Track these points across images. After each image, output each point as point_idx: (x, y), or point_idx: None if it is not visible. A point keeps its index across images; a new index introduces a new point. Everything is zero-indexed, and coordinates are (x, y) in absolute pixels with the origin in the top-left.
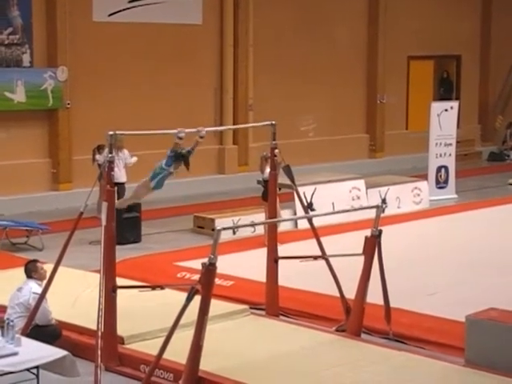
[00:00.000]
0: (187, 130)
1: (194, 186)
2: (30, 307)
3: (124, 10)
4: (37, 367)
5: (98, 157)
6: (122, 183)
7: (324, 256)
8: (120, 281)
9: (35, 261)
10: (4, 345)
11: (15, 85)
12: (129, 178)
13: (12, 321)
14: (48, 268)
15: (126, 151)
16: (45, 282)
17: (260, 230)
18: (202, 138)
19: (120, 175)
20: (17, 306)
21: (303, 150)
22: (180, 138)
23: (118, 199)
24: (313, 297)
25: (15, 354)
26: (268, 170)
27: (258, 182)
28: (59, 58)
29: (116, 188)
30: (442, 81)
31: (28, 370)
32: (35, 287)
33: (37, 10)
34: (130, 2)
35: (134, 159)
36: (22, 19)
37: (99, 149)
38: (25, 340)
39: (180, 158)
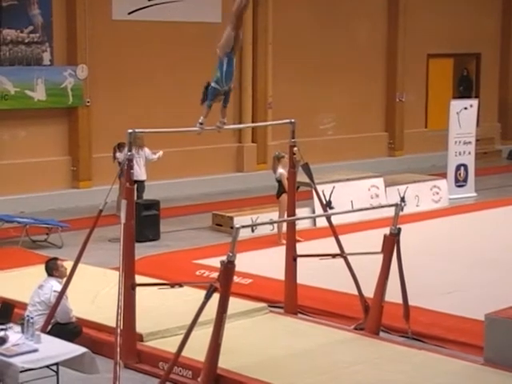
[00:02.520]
0: (207, 128)
1: (212, 183)
2: (51, 305)
3: (143, 8)
4: (56, 364)
5: (118, 155)
6: (142, 181)
7: (342, 254)
8: (139, 278)
9: (55, 259)
10: (24, 342)
11: (35, 83)
12: (149, 176)
13: (32, 318)
14: (68, 265)
15: (146, 149)
16: (65, 279)
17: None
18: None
19: (140, 173)
20: (38, 304)
21: (322, 148)
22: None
23: (137, 197)
24: (331, 295)
25: (35, 350)
26: (280, 170)
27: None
28: (79, 56)
29: (135, 186)
30: (461, 79)
31: (48, 366)
32: (56, 285)
33: (57, 8)
34: (149, 0)
35: (160, 154)
36: (42, 17)
37: (119, 147)
38: (44, 337)
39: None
